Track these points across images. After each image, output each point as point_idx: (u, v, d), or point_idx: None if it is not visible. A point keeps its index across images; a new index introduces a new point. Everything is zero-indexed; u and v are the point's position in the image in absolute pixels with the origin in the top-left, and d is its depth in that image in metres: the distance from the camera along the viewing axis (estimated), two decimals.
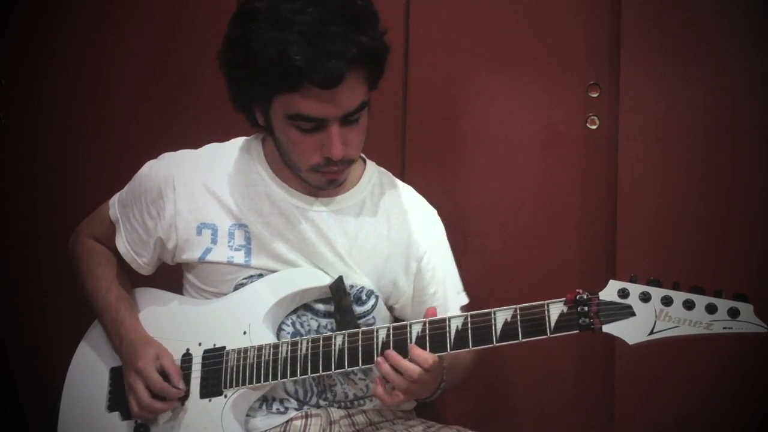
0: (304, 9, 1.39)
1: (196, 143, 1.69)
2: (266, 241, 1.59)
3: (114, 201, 1.70)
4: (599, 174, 1.96)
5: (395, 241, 1.64)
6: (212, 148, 1.67)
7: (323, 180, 1.53)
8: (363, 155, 1.68)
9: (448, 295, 1.68)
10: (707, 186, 1.89)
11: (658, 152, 1.91)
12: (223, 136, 1.70)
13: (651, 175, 1.91)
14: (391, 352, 1.43)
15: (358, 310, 1.61)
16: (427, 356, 1.41)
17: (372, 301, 1.63)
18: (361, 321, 1.61)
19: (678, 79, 1.90)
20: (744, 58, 1.87)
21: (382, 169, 1.72)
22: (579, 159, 1.97)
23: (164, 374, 1.54)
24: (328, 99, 1.42)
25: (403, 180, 1.76)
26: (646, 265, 1.90)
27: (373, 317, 1.63)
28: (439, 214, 1.73)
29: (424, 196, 1.74)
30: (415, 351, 1.42)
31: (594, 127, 1.96)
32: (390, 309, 1.69)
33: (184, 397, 1.56)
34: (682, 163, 1.90)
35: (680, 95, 1.90)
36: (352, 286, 1.60)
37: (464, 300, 1.72)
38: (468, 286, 1.74)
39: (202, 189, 1.60)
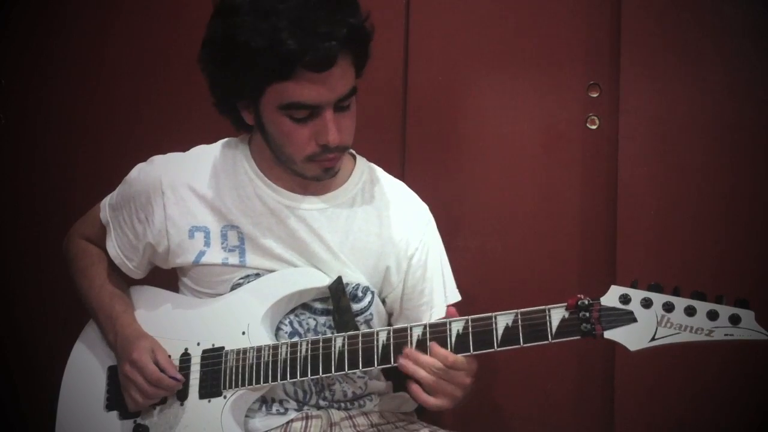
0: None
1: (196, 143, 1.68)
2: (259, 241, 1.58)
3: (105, 204, 1.69)
4: (599, 174, 1.96)
5: (387, 237, 1.63)
6: (199, 150, 1.66)
7: (319, 169, 1.52)
8: (353, 151, 1.67)
9: (437, 292, 1.67)
10: (707, 186, 1.89)
11: (658, 152, 1.91)
12: (224, 136, 1.69)
13: (651, 175, 1.91)
14: (411, 350, 1.43)
15: (356, 307, 1.61)
16: (446, 354, 1.41)
17: (368, 298, 1.62)
18: (359, 318, 1.61)
19: (678, 79, 1.90)
20: (744, 58, 1.87)
21: (372, 164, 1.70)
22: (579, 159, 1.97)
23: (158, 367, 1.53)
24: (322, 83, 1.42)
25: (403, 180, 1.75)
26: (645, 264, 1.90)
27: (371, 313, 1.63)
28: (439, 213, 1.72)
29: (424, 196, 1.72)
30: (435, 348, 1.41)
31: (594, 127, 1.96)
32: (382, 301, 1.68)
33: (184, 398, 1.56)
34: (682, 163, 1.90)
35: (680, 95, 1.90)
36: (348, 284, 1.60)
37: (455, 297, 1.69)
38: (467, 285, 1.73)
39: (190, 192, 1.60)
